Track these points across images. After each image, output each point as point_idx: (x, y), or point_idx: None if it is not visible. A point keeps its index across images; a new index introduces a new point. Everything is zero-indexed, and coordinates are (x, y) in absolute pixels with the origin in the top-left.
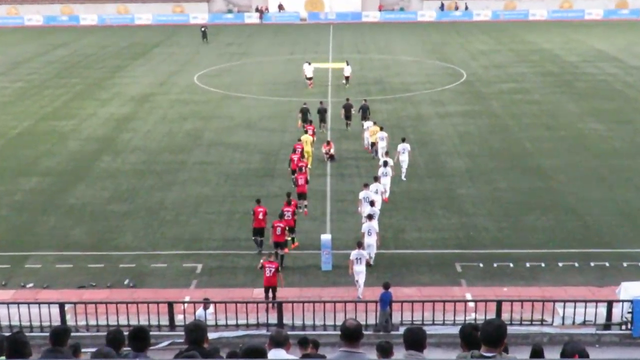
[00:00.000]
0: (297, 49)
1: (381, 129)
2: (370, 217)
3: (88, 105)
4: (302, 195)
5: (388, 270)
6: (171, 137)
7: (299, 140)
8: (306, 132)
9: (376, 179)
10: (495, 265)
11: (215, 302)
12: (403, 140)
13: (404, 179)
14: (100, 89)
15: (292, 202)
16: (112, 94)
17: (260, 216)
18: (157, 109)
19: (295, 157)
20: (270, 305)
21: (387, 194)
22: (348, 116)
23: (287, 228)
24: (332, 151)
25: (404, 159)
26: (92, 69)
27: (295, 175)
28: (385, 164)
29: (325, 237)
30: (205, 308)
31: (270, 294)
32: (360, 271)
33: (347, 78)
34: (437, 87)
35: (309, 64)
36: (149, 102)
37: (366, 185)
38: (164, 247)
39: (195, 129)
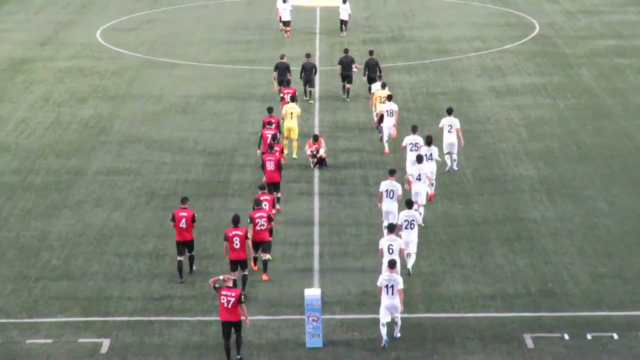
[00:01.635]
0: None
1: (389, 98)
2: (391, 228)
3: None
4: (273, 186)
5: (416, 347)
6: (59, 130)
7: (271, 116)
8: (282, 98)
9: (419, 159)
10: (589, 336)
11: None
12: (449, 113)
13: (455, 168)
14: None
15: (268, 199)
16: None
17: (184, 224)
18: (36, 84)
19: (270, 134)
20: None
21: (433, 189)
22: (347, 77)
23: (270, 216)
24: (322, 152)
25: (452, 141)
26: None
27: (263, 156)
28: (430, 140)
29: (312, 294)
30: None
31: (233, 333)
32: (392, 305)
33: (344, 23)
34: (493, 47)
35: (285, 1)
36: (24, 72)
37: (392, 173)
38: (47, 311)
39: (99, 116)
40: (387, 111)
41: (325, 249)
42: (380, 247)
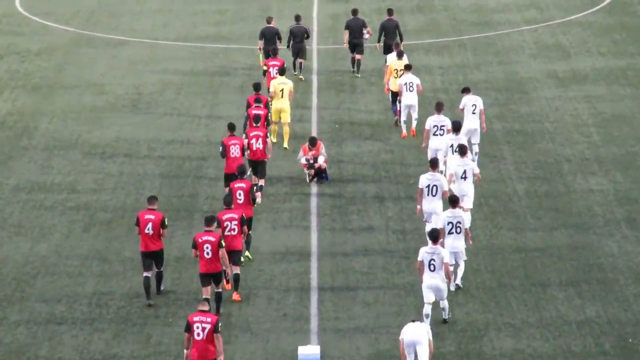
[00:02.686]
0: None
1: (408, 68)
2: (434, 237)
3: None
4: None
5: None
6: None
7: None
8: (267, 72)
9: (462, 150)
10: None
11: None
12: (465, 92)
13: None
14: None
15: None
16: None
17: (150, 229)
18: None
19: (261, 114)
20: None
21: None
22: (357, 46)
23: (244, 219)
24: (321, 160)
25: (474, 126)
26: None
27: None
28: (458, 127)
29: (308, 353)
30: None
31: None
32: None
33: None
34: (553, 18)
35: None
36: None
37: (434, 165)
38: None
39: (19, 112)
40: (405, 84)
41: (327, 292)
42: (419, 259)
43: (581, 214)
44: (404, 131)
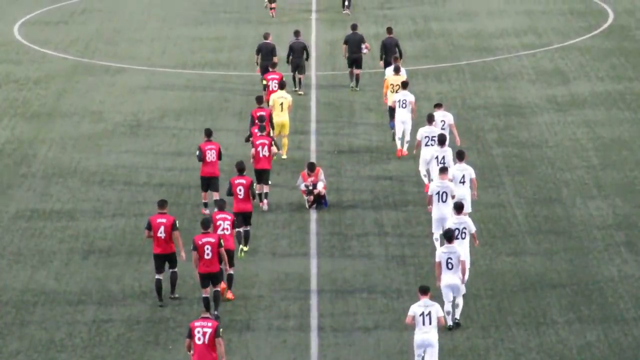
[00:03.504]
0: None
1: (404, 85)
2: (449, 236)
3: None
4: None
5: None
6: None
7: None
8: (266, 87)
9: (460, 156)
10: None
11: None
12: (437, 107)
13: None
14: None
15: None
16: None
17: (162, 233)
18: None
19: (264, 114)
20: None
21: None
22: (355, 60)
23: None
24: (320, 186)
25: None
26: None
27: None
28: (443, 140)
29: None
30: None
31: None
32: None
33: None
34: (552, 43)
35: None
36: None
37: (443, 172)
38: None
39: (18, 140)
40: (399, 101)
41: (326, 318)
42: (437, 260)
43: (581, 238)
44: (399, 146)
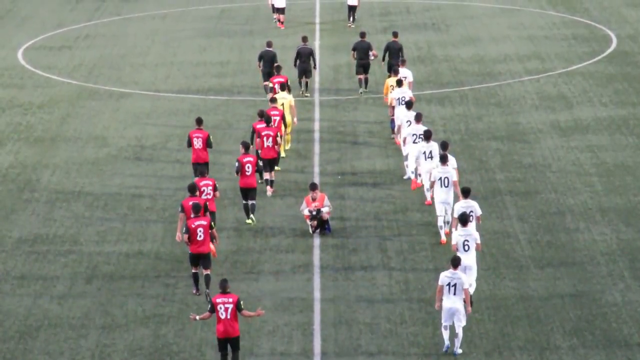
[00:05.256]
0: None
1: (399, 83)
2: (463, 220)
3: None
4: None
5: None
6: None
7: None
8: (272, 89)
9: (465, 192)
10: None
11: None
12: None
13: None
14: None
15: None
16: None
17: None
18: None
19: (277, 113)
20: None
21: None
22: (363, 66)
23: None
24: (325, 211)
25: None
26: None
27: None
28: (429, 135)
29: None
30: None
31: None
32: (455, 309)
33: (352, 10)
34: (555, 68)
35: None
36: None
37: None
38: None
39: (22, 165)
40: (398, 99)
41: (330, 343)
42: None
43: (584, 263)
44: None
